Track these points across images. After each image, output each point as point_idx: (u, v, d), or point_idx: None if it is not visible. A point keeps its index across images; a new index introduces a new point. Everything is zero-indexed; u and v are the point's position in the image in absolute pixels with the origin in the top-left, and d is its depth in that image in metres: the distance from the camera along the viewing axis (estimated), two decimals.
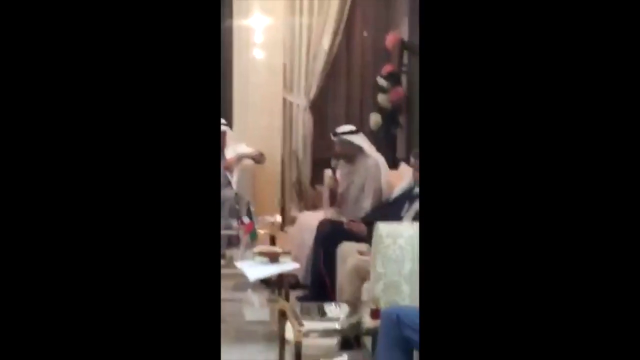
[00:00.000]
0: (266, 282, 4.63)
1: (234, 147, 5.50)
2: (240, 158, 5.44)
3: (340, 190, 4.67)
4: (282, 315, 3.19)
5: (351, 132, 4.68)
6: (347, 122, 6.40)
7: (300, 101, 6.17)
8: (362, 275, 3.70)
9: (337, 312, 3.03)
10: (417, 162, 4.24)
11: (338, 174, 4.66)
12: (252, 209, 4.31)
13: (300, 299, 4.28)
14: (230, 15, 5.89)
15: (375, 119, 6.08)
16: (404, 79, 6.12)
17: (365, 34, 6.29)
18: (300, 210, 6.15)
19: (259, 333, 3.89)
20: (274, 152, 6.15)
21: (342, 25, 6.05)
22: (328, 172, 5.28)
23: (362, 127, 6.41)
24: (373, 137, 6.31)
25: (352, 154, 4.64)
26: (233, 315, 3.96)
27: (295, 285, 4.57)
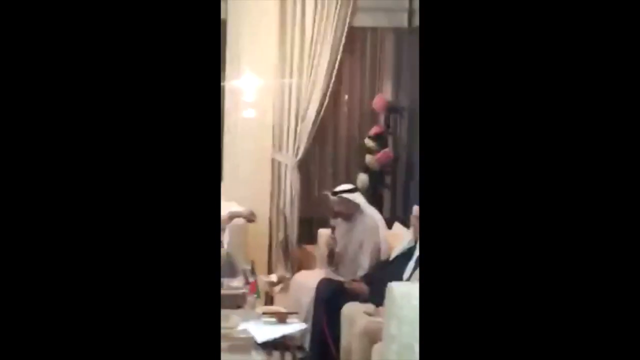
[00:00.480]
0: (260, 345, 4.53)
1: (225, 206, 5.42)
2: (232, 217, 5.36)
3: (337, 249, 4.62)
4: None
5: (350, 191, 4.66)
6: (335, 182, 6.43)
7: (289, 161, 6.15)
8: (372, 337, 3.64)
9: None
10: (415, 218, 4.24)
11: (336, 233, 4.61)
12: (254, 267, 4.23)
13: None
14: (222, 75, 5.90)
15: (362, 179, 6.08)
16: (390, 139, 6.18)
17: (346, 97, 6.33)
18: (287, 269, 6.09)
19: None
20: (262, 211, 6.10)
21: (330, 88, 6.09)
22: (324, 232, 5.24)
23: None
24: None
25: (351, 212, 4.62)
26: None
27: (291, 347, 4.48)
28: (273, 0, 5.92)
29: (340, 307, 4.14)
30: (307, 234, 6.39)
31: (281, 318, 3.66)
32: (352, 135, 6.38)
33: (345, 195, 4.62)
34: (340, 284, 4.37)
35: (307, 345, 4.37)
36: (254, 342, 4.07)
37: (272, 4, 5.93)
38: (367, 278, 4.35)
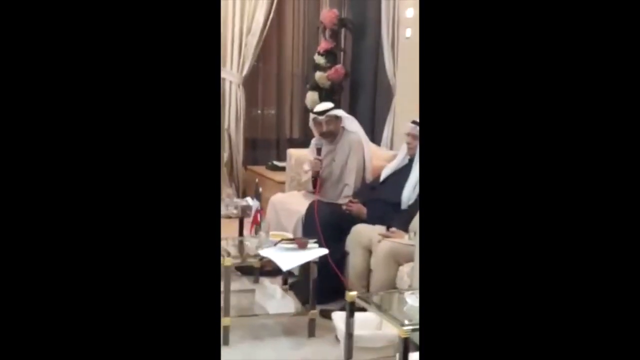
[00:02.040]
0: (242, 271, 4.19)
1: None
2: None
3: (322, 171, 4.28)
4: (352, 308, 2.82)
5: (333, 109, 4.31)
6: (281, 101, 6.05)
7: (234, 78, 5.67)
8: (397, 258, 3.40)
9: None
10: (411, 136, 3.99)
11: (322, 154, 4.26)
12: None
13: (293, 287, 3.89)
14: None
15: (312, 97, 5.73)
16: (340, 55, 5.84)
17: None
18: (232, 190, 5.71)
19: (289, 327, 3.48)
20: None
21: (275, 1, 5.62)
22: (295, 152, 4.88)
23: (292, 105, 6.10)
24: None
25: (338, 130, 4.28)
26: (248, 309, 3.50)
27: (274, 272, 4.16)
28: None
29: (340, 230, 3.85)
30: (252, 155, 6.01)
31: (302, 244, 3.34)
32: (299, 51, 5.98)
33: (332, 112, 4.26)
34: (336, 205, 4.06)
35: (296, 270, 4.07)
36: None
37: None
38: (361, 198, 4.07)
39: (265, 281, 3.58)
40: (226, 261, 3.22)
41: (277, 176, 5.48)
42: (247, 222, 3.86)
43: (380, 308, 2.75)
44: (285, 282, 3.82)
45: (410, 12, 4.77)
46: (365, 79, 5.67)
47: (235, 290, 3.56)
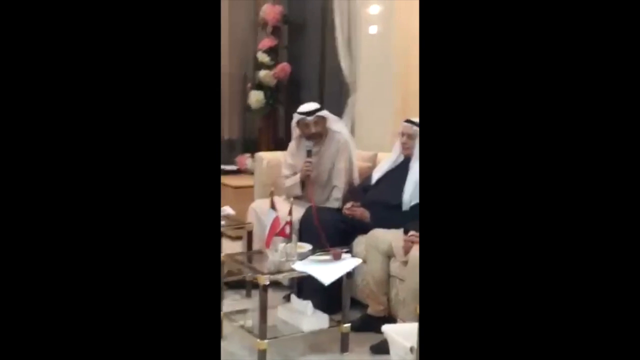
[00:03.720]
0: (228, 285, 3.85)
1: None
2: None
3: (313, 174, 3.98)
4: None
5: (319, 110, 4.03)
6: (222, 102, 5.64)
7: None
8: None
9: None
10: (407, 135, 3.81)
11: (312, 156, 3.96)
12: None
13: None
14: None
15: (256, 96, 5.39)
16: (284, 52, 5.55)
17: None
18: None
19: (316, 343, 3.19)
20: None
21: None
22: (265, 155, 4.53)
23: (231, 105, 5.74)
24: (253, 115, 5.66)
25: (324, 131, 4.02)
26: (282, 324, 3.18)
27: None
28: None
29: (344, 235, 3.61)
30: None
31: (337, 255, 3.07)
32: (236, 49, 5.61)
33: (320, 113, 3.98)
34: (336, 210, 3.80)
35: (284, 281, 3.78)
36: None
37: None
38: (354, 201, 3.82)
39: (292, 297, 3.26)
40: (261, 279, 2.89)
41: (228, 180, 5.11)
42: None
43: None
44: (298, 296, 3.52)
45: (375, 8, 4.59)
46: (309, 77, 5.43)
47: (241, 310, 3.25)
